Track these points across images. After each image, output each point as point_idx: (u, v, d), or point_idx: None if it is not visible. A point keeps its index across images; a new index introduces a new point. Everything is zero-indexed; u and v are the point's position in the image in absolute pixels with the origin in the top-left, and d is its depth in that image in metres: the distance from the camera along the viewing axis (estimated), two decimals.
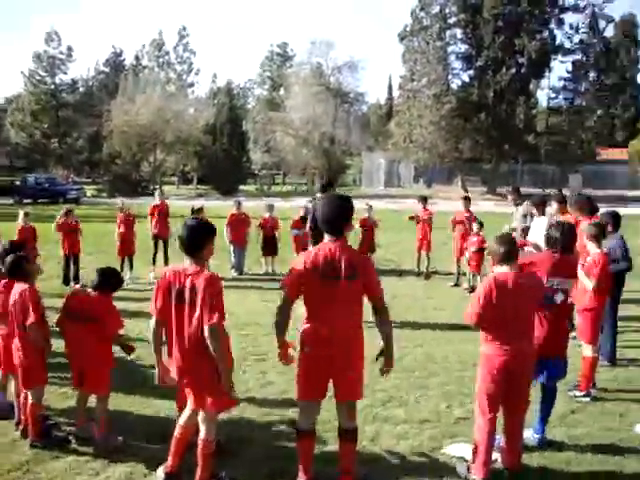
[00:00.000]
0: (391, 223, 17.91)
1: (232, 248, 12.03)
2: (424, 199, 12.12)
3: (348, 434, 3.74)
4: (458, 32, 37.59)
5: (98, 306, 4.31)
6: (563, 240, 4.53)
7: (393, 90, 72.41)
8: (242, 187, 43.98)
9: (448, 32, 37.71)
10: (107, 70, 64.10)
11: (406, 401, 5.30)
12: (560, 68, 38.82)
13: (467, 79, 37.85)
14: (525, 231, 9.38)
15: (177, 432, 3.78)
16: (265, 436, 4.62)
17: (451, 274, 11.19)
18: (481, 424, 3.93)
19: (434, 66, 36.39)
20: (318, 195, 7.96)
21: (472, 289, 10.36)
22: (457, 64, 38.13)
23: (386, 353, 3.72)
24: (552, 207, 7.72)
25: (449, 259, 12.51)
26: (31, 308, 4.22)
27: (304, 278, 3.58)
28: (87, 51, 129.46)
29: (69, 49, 54.67)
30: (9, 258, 4.49)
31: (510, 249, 3.94)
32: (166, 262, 11.53)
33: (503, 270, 3.93)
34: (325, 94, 50.54)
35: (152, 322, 3.72)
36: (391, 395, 5.44)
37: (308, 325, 3.64)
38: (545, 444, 4.44)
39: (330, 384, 3.71)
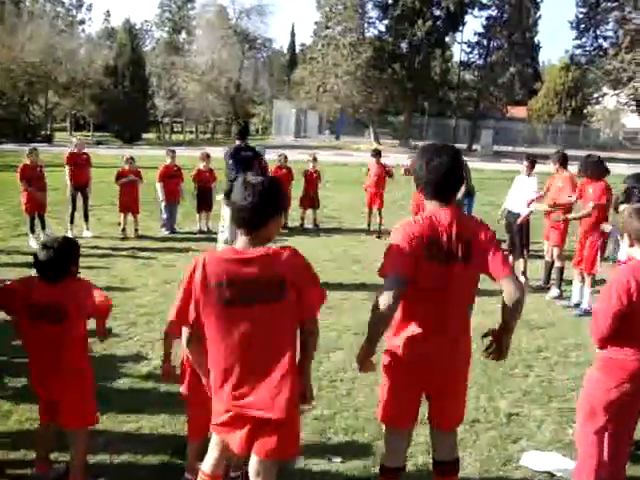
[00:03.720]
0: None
1: (163, 204, 10.56)
2: (378, 153, 11.22)
3: (451, 467, 2.79)
4: None
5: (70, 296, 2.94)
6: None
7: (296, 37, 70.66)
8: (145, 135, 40.87)
9: None
10: None
11: None
12: (476, 23, 38.89)
13: (383, 29, 36.85)
14: None
15: None
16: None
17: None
18: (594, 441, 3.06)
19: (350, 13, 35.04)
20: (237, 142, 7.17)
21: None
22: (374, 13, 36.96)
23: (504, 335, 2.64)
24: (552, 166, 7.11)
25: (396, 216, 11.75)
26: None
27: (412, 259, 2.48)
28: None
29: None
30: None
31: None
32: (86, 219, 9.95)
33: None
34: (231, 39, 47.97)
35: (184, 340, 2.47)
36: None
37: (403, 327, 2.59)
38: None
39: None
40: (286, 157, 11.27)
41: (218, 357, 2.38)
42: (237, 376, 2.35)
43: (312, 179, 11.37)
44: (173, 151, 10.76)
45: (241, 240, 2.37)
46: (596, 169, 6.31)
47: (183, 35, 61.02)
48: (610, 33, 36.52)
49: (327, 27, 36.44)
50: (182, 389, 3.03)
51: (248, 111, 52.88)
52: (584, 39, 37.38)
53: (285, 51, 71.57)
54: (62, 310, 2.87)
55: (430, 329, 2.56)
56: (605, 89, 37.05)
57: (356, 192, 15.60)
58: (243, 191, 2.32)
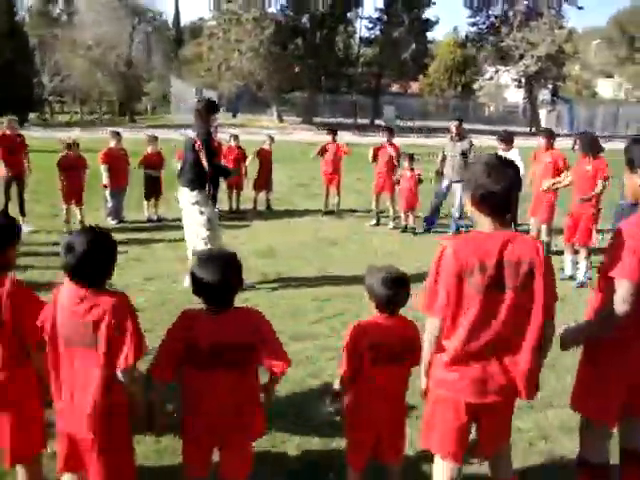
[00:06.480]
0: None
1: (108, 191, 9.65)
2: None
3: None
4: None
5: (252, 329, 2.36)
6: None
7: (180, 14, 67.49)
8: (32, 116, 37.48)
9: None
10: None
11: None
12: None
13: (285, 2, 36.14)
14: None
15: None
16: None
17: (353, 211, 10.45)
18: None
19: None
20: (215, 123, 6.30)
21: (404, 229, 9.58)
22: None
23: None
24: (541, 142, 7.30)
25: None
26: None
27: None
28: None
29: None
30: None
31: None
32: (22, 211, 8.92)
33: None
34: (117, 12, 44.99)
35: (434, 326, 2.33)
36: None
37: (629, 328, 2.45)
38: None
39: None
40: (237, 137, 10.71)
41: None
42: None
43: (267, 159, 10.86)
44: (118, 133, 9.84)
45: (493, 224, 2.28)
46: (595, 146, 6.45)
47: (60, 5, 56.56)
48: (500, 12, 38.15)
49: (229, 1, 35.09)
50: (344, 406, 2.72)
51: (140, 89, 50.32)
52: (477, 17, 38.86)
53: (170, 26, 68.50)
54: (245, 350, 2.27)
55: None
56: (497, 66, 38.79)
57: (290, 171, 15.33)
58: (497, 173, 2.26)
